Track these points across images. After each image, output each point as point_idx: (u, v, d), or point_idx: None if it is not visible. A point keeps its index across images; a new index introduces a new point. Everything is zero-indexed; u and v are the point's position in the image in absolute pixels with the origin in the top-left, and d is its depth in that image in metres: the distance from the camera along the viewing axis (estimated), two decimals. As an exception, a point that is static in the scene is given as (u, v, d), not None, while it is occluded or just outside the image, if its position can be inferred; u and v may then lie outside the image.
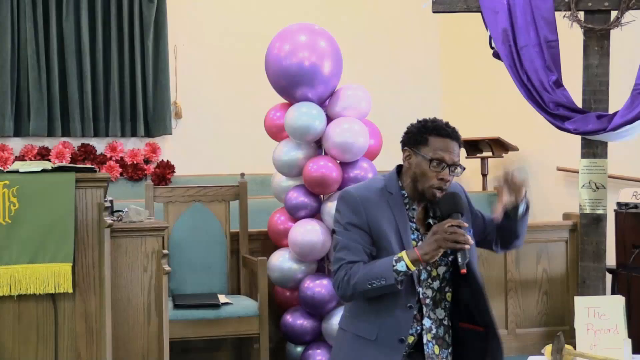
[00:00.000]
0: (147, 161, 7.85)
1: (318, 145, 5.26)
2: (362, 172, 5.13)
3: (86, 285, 3.61)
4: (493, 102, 7.83)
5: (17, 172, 3.59)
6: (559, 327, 5.67)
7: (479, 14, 5.20)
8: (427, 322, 3.10)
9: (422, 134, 3.10)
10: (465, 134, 8.03)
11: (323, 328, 5.15)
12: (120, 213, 4.09)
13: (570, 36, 5.19)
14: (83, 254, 3.62)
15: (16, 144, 7.60)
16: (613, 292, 5.48)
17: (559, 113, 4.97)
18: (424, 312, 3.10)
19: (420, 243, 3.05)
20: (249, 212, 5.55)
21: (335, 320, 5.01)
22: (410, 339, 3.08)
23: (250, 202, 5.63)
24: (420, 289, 3.08)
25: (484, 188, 7.63)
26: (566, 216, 6.05)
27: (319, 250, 5.02)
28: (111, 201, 4.08)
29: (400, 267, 2.93)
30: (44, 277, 3.54)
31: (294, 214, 5.19)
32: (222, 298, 5.11)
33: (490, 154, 7.58)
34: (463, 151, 7.65)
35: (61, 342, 3.60)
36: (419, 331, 3.09)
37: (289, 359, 5.35)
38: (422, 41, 8.52)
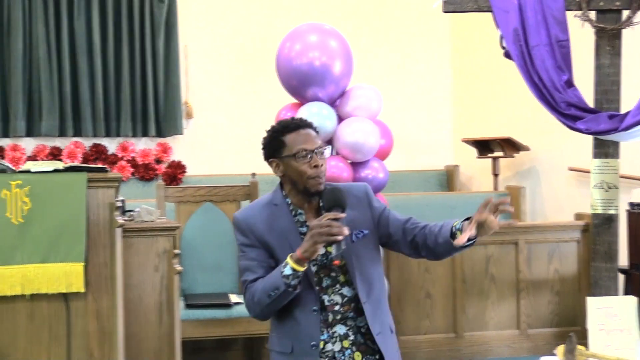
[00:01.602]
0: (158, 161, 7.86)
1: (329, 145, 5.26)
2: (373, 172, 5.13)
3: (98, 285, 3.62)
4: (504, 102, 7.81)
5: (29, 172, 3.60)
6: (571, 327, 5.64)
7: (490, 13, 5.19)
8: (340, 329, 3.08)
9: (276, 140, 3.12)
10: (476, 134, 8.07)
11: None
12: (132, 213, 4.10)
13: (581, 36, 5.18)
14: (95, 253, 3.63)
15: (28, 144, 7.62)
16: (626, 293, 5.47)
17: (570, 113, 4.95)
18: (332, 318, 3.07)
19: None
20: (260, 212, 5.55)
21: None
22: (322, 344, 3.05)
23: (261, 202, 5.62)
24: (325, 296, 3.06)
25: (495, 188, 7.61)
26: (578, 216, 6.03)
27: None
28: (123, 201, 4.09)
29: (287, 271, 2.93)
30: (56, 277, 3.55)
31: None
32: (234, 298, 5.12)
33: (501, 154, 7.57)
34: (474, 151, 7.72)
35: (74, 342, 3.61)
36: (330, 339, 3.07)
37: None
38: (433, 41, 8.50)
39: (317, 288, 3.05)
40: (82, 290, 3.58)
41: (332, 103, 5.24)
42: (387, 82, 8.04)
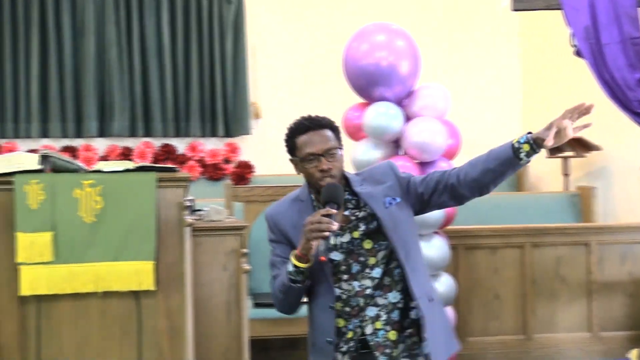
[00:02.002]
0: (226, 161, 7.93)
1: (396, 145, 5.24)
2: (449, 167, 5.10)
3: (168, 283, 3.66)
4: (575, 100, 7.61)
5: (101, 171, 3.66)
6: (646, 331, 5.55)
7: (560, 11, 5.11)
8: (371, 312, 3.09)
9: (291, 140, 3.16)
10: (546, 133, 7.87)
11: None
12: (201, 212, 4.14)
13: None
14: (165, 252, 3.66)
15: (100, 144, 7.77)
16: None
17: (643, 111, 4.85)
18: (363, 303, 3.09)
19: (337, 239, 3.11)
20: (327, 211, 5.56)
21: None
22: (350, 334, 3.10)
23: (328, 201, 5.63)
24: (355, 282, 3.09)
25: (565, 188, 7.49)
26: (652, 217, 5.92)
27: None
28: (192, 200, 4.13)
29: (290, 267, 3.02)
30: (127, 275, 3.59)
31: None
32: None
33: (572, 153, 7.44)
34: (544, 151, 7.56)
35: (144, 339, 3.65)
36: (359, 324, 3.10)
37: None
38: (502, 39, 8.41)
39: (345, 276, 3.09)
40: (153, 288, 3.62)
41: (400, 103, 5.22)
42: (456, 81, 7.98)
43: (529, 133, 2.99)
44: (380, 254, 3.09)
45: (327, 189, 3.04)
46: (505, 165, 3.00)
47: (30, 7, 7.54)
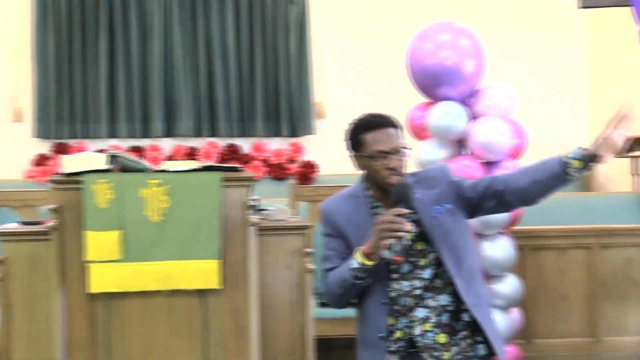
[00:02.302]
0: (291, 161, 7.97)
1: (460, 145, 5.20)
2: (506, 172, 5.03)
3: (233, 282, 3.69)
4: (644, 98, 7.54)
5: (167, 171, 3.71)
6: None
7: (628, 8, 5.01)
8: (420, 313, 3.07)
9: (356, 136, 3.15)
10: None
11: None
12: (265, 212, 4.16)
13: None
14: (230, 251, 3.70)
15: (166, 144, 7.88)
16: None
17: None
18: (412, 303, 3.07)
19: None
20: (391, 210, 5.54)
21: (478, 322, 4.95)
22: (398, 334, 3.08)
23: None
24: (404, 282, 3.08)
25: (634, 189, 7.35)
26: None
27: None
28: (256, 200, 4.16)
29: (354, 264, 3.00)
30: (193, 273, 3.64)
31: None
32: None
33: (641, 152, 7.31)
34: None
35: (210, 337, 3.69)
36: (408, 324, 3.08)
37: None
38: (568, 37, 8.29)
39: (395, 275, 3.08)
40: (218, 287, 3.66)
41: (464, 102, 5.18)
42: (522, 80, 7.88)
43: (582, 148, 2.96)
44: (431, 256, 3.09)
45: (397, 188, 3.03)
46: (554, 179, 2.98)
47: (99, 11, 7.69)
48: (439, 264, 3.09)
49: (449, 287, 3.08)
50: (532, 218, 6.14)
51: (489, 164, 5.07)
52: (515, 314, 5.21)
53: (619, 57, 7.75)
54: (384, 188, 3.10)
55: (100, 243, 3.60)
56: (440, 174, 3.20)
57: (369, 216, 3.14)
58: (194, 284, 3.64)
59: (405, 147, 3.11)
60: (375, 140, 3.08)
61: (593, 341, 5.57)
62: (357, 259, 3.00)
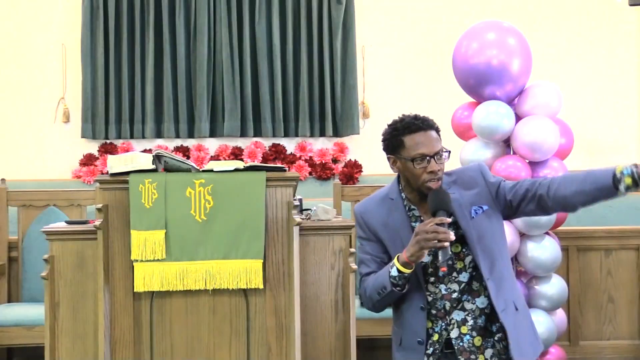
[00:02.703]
0: (335, 160, 7.96)
1: (506, 145, 5.17)
2: (552, 171, 4.99)
3: (276, 282, 3.71)
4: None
5: (212, 171, 3.73)
6: None
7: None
8: (458, 315, 3.05)
9: (396, 138, 3.11)
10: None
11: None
12: (309, 211, 4.16)
13: None
14: (273, 251, 3.71)
15: (211, 144, 7.92)
16: None
17: None
18: (449, 306, 3.06)
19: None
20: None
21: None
22: (436, 337, 3.07)
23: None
24: (442, 285, 3.07)
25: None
26: None
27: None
28: (300, 200, 4.17)
29: (394, 272, 3.01)
30: (236, 273, 3.66)
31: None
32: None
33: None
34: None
35: (253, 336, 3.71)
36: (445, 327, 3.08)
37: None
38: (618, 35, 8.16)
39: (432, 279, 3.07)
40: (261, 286, 3.67)
41: (510, 102, 5.14)
42: (568, 79, 7.80)
43: (636, 166, 2.90)
44: (468, 259, 3.06)
45: (436, 196, 3.01)
46: (601, 192, 2.93)
47: (147, 12, 7.76)
48: (475, 266, 3.08)
49: (486, 290, 3.07)
50: (578, 218, 6.07)
51: (535, 164, 5.03)
52: (560, 315, 5.17)
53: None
54: (421, 192, 3.09)
55: (145, 242, 3.63)
56: (478, 174, 3.17)
57: (404, 219, 3.13)
58: (237, 284, 3.66)
59: (445, 151, 3.09)
60: (417, 143, 3.06)
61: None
62: (397, 267, 2.99)
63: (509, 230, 4.92)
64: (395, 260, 3.01)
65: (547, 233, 5.07)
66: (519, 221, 4.90)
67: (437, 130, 3.14)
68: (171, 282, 3.65)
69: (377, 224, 3.16)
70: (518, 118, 5.08)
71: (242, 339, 3.71)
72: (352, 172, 7.86)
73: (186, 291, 3.68)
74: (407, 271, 2.99)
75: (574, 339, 5.46)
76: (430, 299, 3.09)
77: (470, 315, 3.06)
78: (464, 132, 5.28)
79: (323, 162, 7.92)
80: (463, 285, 3.07)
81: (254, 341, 3.71)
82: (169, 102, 7.77)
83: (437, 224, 2.92)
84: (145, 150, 7.69)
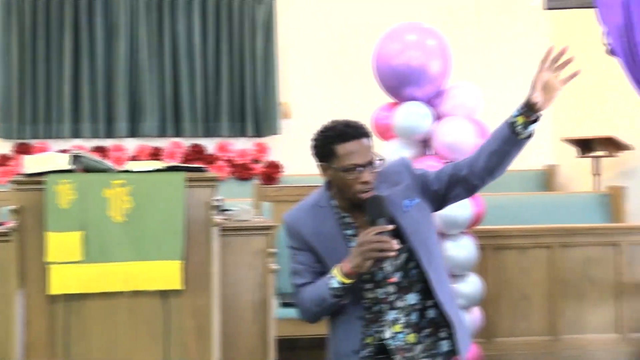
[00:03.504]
0: (255, 161, 7.96)
1: (426, 145, 5.23)
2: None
3: (195, 283, 3.69)
4: (607, 100, 7.62)
5: (130, 171, 3.69)
6: (677, 332, 5.50)
7: (593, 9, 5.06)
8: (389, 315, 3.02)
9: (327, 146, 2.98)
10: (577, 132, 7.90)
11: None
12: (229, 212, 4.15)
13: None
14: (192, 251, 3.69)
15: (130, 144, 7.84)
16: None
17: (675, 111, 4.80)
18: (384, 309, 3.02)
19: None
20: (356, 211, 5.56)
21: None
22: (369, 339, 3.03)
23: (357, 201, 5.63)
24: (379, 290, 3.01)
25: (596, 188, 7.43)
26: (683, 217, 5.85)
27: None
28: (220, 200, 4.15)
29: (334, 283, 2.92)
30: (155, 274, 3.62)
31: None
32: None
33: (603, 153, 7.38)
34: (572, 151, 7.55)
35: (172, 338, 3.68)
36: (378, 328, 3.03)
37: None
38: (533, 38, 8.35)
39: (369, 285, 3.01)
40: (180, 287, 3.65)
41: (430, 102, 5.21)
42: (486, 80, 7.95)
43: (522, 105, 2.95)
44: (402, 257, 3.03)
45: (373, 203, 2.93)
46: (507, 144, 2.93)
47: (64, 11, 7.63)
48: (405, 263, 3.03)
49: (416, 285, 3.03)
50: (494, 218, 6.20)
51: (453, 165, 5.11)
52: (477, 313, 5.26)
53: (583, 57, 7.80)
54: (352, 201, 3.00)
55: (61, 244, 3.57)
56: (403, 168, 3.12)
57: (337, 227, 3.04)
58: (156, 285, 3.63)
59: (378, 159, 3.01)
60: (350, 153, 2.94)
61: (552, 339, 5.63)
62: (337, 278, 2.91)
63: (427, 230, 4.99)
64: (336, 272, 2.91)
65: (464, 232, 5.15)
66: (437, 220, 4.97)
67: (369, 137, 3.03)
68: (88, 285, 3.59)
69: (308, 233, 3.06)
70: (437, 119, 5.15)
71: (161, 341, 3.67)
72: (272, 172, 7.87)
73: (104, 293, 3.62)
74: (348, 282, 2.90)
75: (489, 336, 5.56)
76: (367, 305, 3.03)
77: (402, 312, 3.01)
78: (384, 132, 5.33)
79: (243, 162, 7.91)
80: (397, 287, 3.03)
81: (173, 343, 3.68)
82: (87, 102, 7.66)
83: (378, 233, 2.84)
84: (62, 151, 7.55)
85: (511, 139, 2.92)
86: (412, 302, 3.05)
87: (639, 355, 5.55)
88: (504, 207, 6.72)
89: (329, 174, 3.03)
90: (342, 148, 2.95)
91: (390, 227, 2.88)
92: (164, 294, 3.67)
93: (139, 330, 3.66)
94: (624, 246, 5.68)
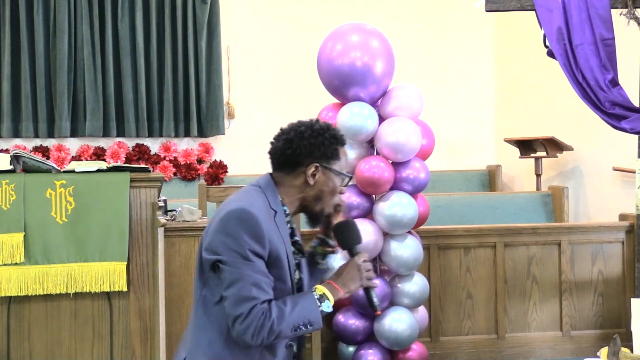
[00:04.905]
0: (200, 161, 7.91)
1: (370, 145, 5.26)
2: (414, 172, 5.11)
3: (140, 284, 3.66)
4: (547, 101, 7.74)
5: (73, 172, 3.64)
6: (615, 329, 5.59)
7: (533, 12, 5.14)
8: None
9: (334, 146, 2.66)
10: (519, 133, 8.02)
11: (375, 328, 5.14)
12: (174, 212, 4.13)
13: (627, 34, 5.11)
14: (137, 252, 3.66)
15: (73, 144, 7.72)
16: (671, 295, 5.39)
17: (615, 112, 4.89)
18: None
19: (338, 277, 2.70)
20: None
21: (388, 321, 5.01)
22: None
23: (302, 201, 5.63)
24: None
25: (537, 188, 7.55)
26: (622, 217, 5.96)
27: (371, 250, 5.01)
28: (165, 201, 4.13)
29: (326, 307, 2.60)
30: (99, 276, 3.58)
31: (347, 214, 5.18)
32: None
33: (544, 153, 7.50)
34: (517, 151, 7.67)
35: (116, 339, 3.65)
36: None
37: (341, 358, 5.35)
38: (476, 40, 8.45)
39: None
40: (125, 289, 3.61)
41: (374, 103, 5.23)
42: (429, 82, 8.02)
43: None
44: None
45: (347, 227, 2.74)
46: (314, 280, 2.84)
47: (2, 7, 7.48)
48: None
49: None
50: (438, 218, 6.27)
51: (398, 164, 5.14)
52: (422, 312, 5.30)
53: (524, 59, 7.94)
54: (319, 214, 2.71)
55: (2, 245, 3.51)
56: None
57: (287, 233, 2.67)
58: (100, 286, 3.59)
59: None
60: (345, 159, 2.70)
61: (496, 338, 5.70)
62: (330, 302, 2.61)
63: (372, 230, 5.01)
64: (327, 294, 2.61)
65: (409, 232, 5.18)
66: (382, 220, 4.99)
67: None
68: (30, 287, 3.54)
69: (274, 238, 2.58)
70: (381, 119, 5.18)
71: (105, 343, 3.63)
72: (217, 172, 7.83)
73: (46, 295, 3.58)
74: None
75: (434, 335, 5.62)
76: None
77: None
78: (329, 132, 5.33)
79: (188, 162, 7.85)
80: None
81: (118, 344, 3.64)
82: (27, 101, 7.52)
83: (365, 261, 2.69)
84: (2, 150, 7.42)
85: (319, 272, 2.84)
86: None
87: (581, 352, 5.64)
88: (447, 207, 6.79)
89: (319, 177, 2.66)
90: (343, 152, 2.71)
91: (366, 254, 2.74)
92: (108, 296, 3.63)
93: (82, 333, 3.61)
94: (564, 245, 5.78)
